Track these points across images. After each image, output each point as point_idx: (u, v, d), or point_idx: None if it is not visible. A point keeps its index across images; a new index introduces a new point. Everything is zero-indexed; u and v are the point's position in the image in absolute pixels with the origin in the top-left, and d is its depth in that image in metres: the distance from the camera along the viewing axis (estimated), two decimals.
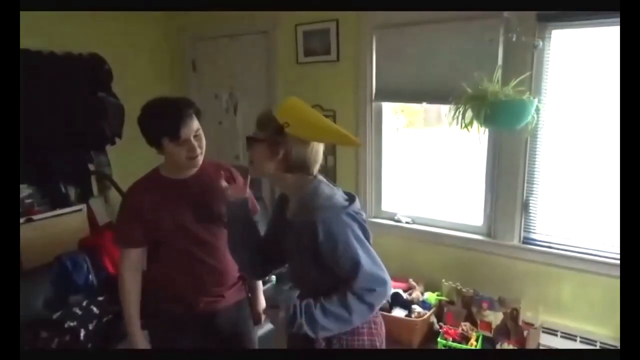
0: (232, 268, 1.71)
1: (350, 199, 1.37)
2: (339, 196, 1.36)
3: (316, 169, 1.41)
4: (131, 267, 1.65)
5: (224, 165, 1.72)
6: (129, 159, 3.44)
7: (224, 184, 1.52)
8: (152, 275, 1.71)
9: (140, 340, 1.65)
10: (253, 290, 1.88)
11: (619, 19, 2.09)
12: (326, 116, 3.07)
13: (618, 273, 2.28)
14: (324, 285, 1.33)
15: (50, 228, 2.83)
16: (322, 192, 1.34)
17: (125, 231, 1.63)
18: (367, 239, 1.35)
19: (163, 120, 1.51)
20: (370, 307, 1.30)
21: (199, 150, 1.57)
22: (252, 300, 1.86)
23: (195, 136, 1.56)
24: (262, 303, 1.90)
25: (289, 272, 1.51)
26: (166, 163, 1.63)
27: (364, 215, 1.38)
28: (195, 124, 1.56)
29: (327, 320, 1.27)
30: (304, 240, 1.30)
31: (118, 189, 3.31)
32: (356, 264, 1.26)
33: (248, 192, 1.56)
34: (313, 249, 1.28)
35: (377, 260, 1.32)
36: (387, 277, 1.32)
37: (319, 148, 1.40)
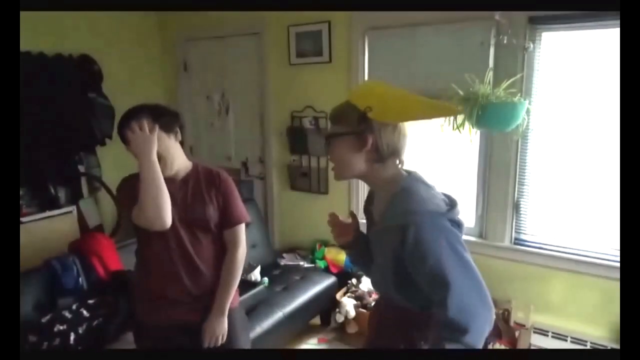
0: (214, 275, 1.66)
1: (452, 203, 1.20)
2: (439, 199, 1.19)
3: (405, 155, 1.27)
4: None
5: (216, 171, 1.69)
6: (119, 160, 3.41)
7: None
8: (138, 270, 1.70)
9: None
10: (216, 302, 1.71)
11: (609, 22, 2.13)
12: (317, 118, 3.13)
13: (608, 273, 2.31)
14: (403, 302, 1.22)
15: (40, 230, 2.81)
16: (418, 192, 1.17)
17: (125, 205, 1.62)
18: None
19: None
20: (443, 307, 1.05)
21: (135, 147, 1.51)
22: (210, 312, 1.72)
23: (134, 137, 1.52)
24: (215, 323, 1.69)
25: (371, 278, 1.38)
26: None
27: (464, 226, 1.21)
28: (132, 121, 1.52)
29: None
30: (390, 245, 1.16)
31: (108, 191, 3.29)
32: (445, 287, 1.05)
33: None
34: (397, 257, 1.15)
35: (478, 283, 1.11)
36: (489, 307, 1.09)
37: (406, 130, 1.26)
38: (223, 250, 1.69)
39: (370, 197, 1.39)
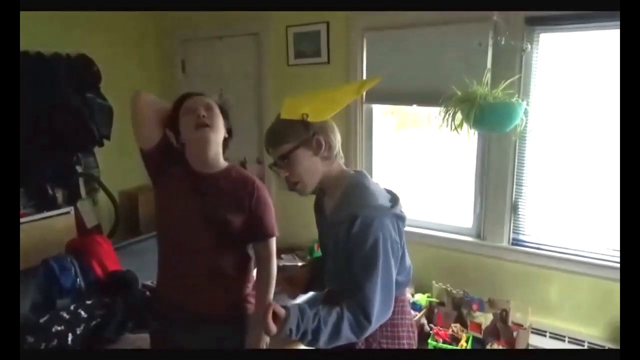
0: (231, 280, 1.63)
1: (394, 199, 1.31)
2: (384, 195, 1.30)
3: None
4: None
5: (250, 179, 1.64)
6: (117, 160, 3.42)
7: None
8: (159, 261, 1.68)
9: None
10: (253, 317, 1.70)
11: (606, 23, 2.14)
12: None
13: (606, 274, 2.32)
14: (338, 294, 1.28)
15: (37, 231, 2.79)
16: (369, 187, 1.28)
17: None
18: (397, 251, 1.27)
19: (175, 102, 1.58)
20: (356, 338, 1.21)
21: (204, 119, 1.50)
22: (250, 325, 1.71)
23: (207, 109, 1.53)
24: (257, 336, 1.69)
25: (325, 274, 1.43)
26: (187, 152, 1.60)
27: (406, 219, 1.33)
28: (207, 100, 1.56)
29: (317, 340, 1.17)
30: (340, 235, 1.24)
31: (106, 191, 3.28)
32: (369, 277, 1.19)
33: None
34: (341, 245, 1.23)
35: (391, 285, 1.23)
36: (389, 310, 1.24)
37: (335, 127, 1.35)
38: (243, 262, 1.66)
39: (320, 194, 1.45)
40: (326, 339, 1.17)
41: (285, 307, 1.17)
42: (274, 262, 1.67)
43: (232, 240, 1.60)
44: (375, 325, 1.22)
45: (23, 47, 2.83)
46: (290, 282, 1.50)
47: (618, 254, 2.31)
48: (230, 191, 1.57)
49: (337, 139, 1.33)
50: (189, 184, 1.58)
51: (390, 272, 1.23)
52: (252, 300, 1.69)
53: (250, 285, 1.72)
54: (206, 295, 1.60)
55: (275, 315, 1.15)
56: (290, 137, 1.28)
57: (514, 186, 2.58)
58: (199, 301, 1.60)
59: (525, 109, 2.14)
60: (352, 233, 1.20)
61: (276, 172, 1.34)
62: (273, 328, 1.14)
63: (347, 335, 1.19)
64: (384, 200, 1.27)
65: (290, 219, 3.48)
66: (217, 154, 1.58)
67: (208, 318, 1.60)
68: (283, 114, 1.29)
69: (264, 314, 1.15)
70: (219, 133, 1.56)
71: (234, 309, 1.65)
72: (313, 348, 1.25)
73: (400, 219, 1.29)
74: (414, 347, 1.41)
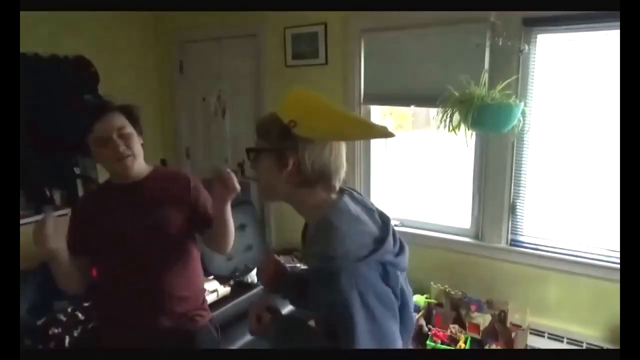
0: (183, 288, 1.57)
1: (381, 236, 1.03)
2: (364, 234, 1.02)
3: (338, 179, 1.09)
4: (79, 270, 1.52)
5: (182, 174, 1.62)
6: None
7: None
8: (97, 288, 1.60)
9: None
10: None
11: (604, 24, 2.15)
12: None
13: (605, 274, 2.32)
14: None
15: None
16: (339, 228, 0.99)
17: (71, 241, 1.47)
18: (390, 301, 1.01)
19: (81, 124, 1.48)
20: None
21: (124, 149, 1.44)
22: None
23: (121, 135, 1.45)
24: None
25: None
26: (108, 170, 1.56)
27: (403, 262, 1.11)
28: (118, 121, 1.45)
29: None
30: (313, 282, 1.06)
31: None
32: (350, 339, 0.95)
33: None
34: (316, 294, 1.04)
35: (383, 342, 0.98)
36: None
37: (341, 150, 1.08)
38: (194, 264, 1.63)
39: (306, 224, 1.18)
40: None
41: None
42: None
43: (178, 240, 1.56)
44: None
45: (21, 48, 2.83)
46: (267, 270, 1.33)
47: (617, 254, 2.31)
48: (164, 191, 1.54)
49: (328, 166, 1.05)
50: (118, 199, 1.53)
51: (378, 323, 0.97)
52: (204, 313, 1.67)
53: (202, 295, 1.70)
54: (162, 309, 1.54)
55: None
56: (263, 135, 1.07)
57: (512, 187, 2.58)
58: (155, 317, 1.53)
59: (523, 109, 2.14)
60: (321, 290, 0.99)
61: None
62: (256, 328, 1.13)
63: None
64: (359, 246, 0.99)
65: (288, 220, 3.48)
66: (140, 165, 1.54)
67: (167, 332, 1.54)
68: (281, 107, 1.05)
69: (253, 307, 1.10)
70: (138, 149, 1.51)
71: (191, 318, 1.61)
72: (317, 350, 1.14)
73: (390, 263, 1.03)
74: None
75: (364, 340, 0.94)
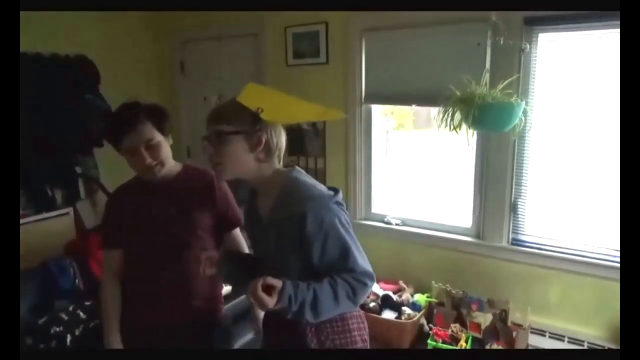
0: (205, 284, 1.62)
1: (334, 190, 1.30)
2: (322, 187, 1.29)
3: (283, 154, 1.34)
4: (112, 272, 1.62)
5: (208, 174, 1.65)
6: (116, 161, 3.37)
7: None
8: (126, 282, 1.65)
9: (116, 344, 1.59)
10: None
11: (605, 23, 2.15)
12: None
13: (606, 274, 2.32)
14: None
15: (36, 232, 2.78)
16: (306, 183, 1.26)
17: (106, 233, 1.62)
18: None
19: (110, 128, 1.51)
20: (355, 301, 1.22)
21: (150, 161, 1.48)
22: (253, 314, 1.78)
23: (149, 147, 1.48)
24: (261, 316, 1.77)
25: (274, 272, 1.38)
26: None
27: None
28: (146, 133, 1.47)
29: (319, 308, 1.17)
30: (288, 235, 1.22)
31: (105, 192, 3.27)
32: (346, 252, 1.21)
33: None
34: (297, 244, 1.21)
35: (364, 255, 1.27)
36: (373, 273, 1.27)
37: (283, 132, 1.32)
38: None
39: (252, 195, 1.41)
40: (325, 308, 1.17)
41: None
42: (246, 247, 1.70)
43: (200, 240, 1.60)
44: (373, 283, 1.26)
45: (22, 48, 2.83)
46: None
47: (618, 254, 2.31)
48: (191, 191, 1.57)
49: (281, 143, 1.31)
50: (148, 197, 1.57)
51: (359, 247, 1.26)
52: (220, 306, 1.73)
53: (219, 289, 1.74)
54: (186, 302, 1.59)
55: (269, 289, 1.12)
56: (233, 121, 1.24)
57: (513, 186, 2.58)
58: (177, 310, 1.58)
59: (524, 109, 2.14)
60: (307, 232, 1.19)
61: (203, 147, 1.29)
62: (269, 300, 1.10)
63: (345, 303, 1.20)
64: (325, 189, 1.27)
65: None
66: (168, 167, 1.57)
67: (188, 326, 1.59)
68: (240, 97, 1.24)
69: (253, 289, 1.10)
70: (166, 155, 1.54)
71: (211, 313, 1.66)
72: (310, 323, 1.25)
73: (342, 206, 1.28)
74: (366, 337, 1.40)
75: (355, 251, 1.22)
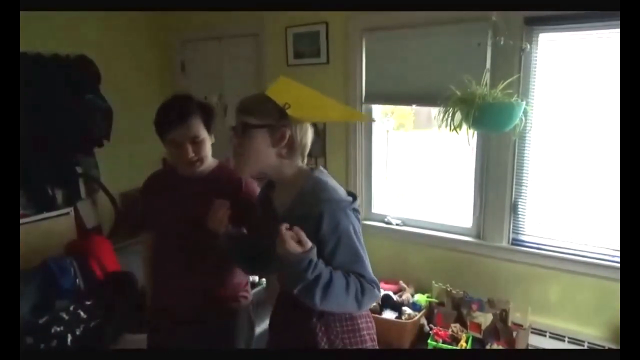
0: (227, 275, 1.67)
1: (353, 196, 1.30)
2: (342, 190, 1.29)
3: (307, 153, 1.33)
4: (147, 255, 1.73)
5: (238, 177, 1.67)
6: (117, 161, 3.42)
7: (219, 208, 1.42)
8: (152, 268, 1.72)
9: None
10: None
11: (606, 22, 2.14)
12: None
13: (606, 274, 2.32)
14: None
15: (37, 232, 2.79)
16: (327, 184, 1.25)
17: (140, 216, 1.71)
18: None
19: (161, 119, 1.51)
20: (361, 303, 1.22)
21: (193, 156, 1.51)
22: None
23: (194, 142, 1.51)
24: None
25: (277, 270, 1.42)
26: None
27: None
28: (194, 130, 1.50)
29: (329, 292, 1.15)
30: (305, 232, 1.19)
31: (106, 192, 3.28)
32: (357, 258, 1.22)
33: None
34: (314, 242, 1.19)
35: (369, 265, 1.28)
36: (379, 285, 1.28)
37: (310, 130, 1.31)
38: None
39: (268, 188, 1.42)
40: (334, 295, 1.16)
41: None
42: None
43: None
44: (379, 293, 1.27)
45: (22, 48, 2.83)
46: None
47: (618, 254, 2.31)
48: (221, 190, 1.59)
49: (305, 141, 1.29)
50: (179, 190, 1.61)
51: (365, 251, 1.27)
52: (247, 294, 1.76)
53: (245, 280, 1.77)
54: (204, 293, 1.62)
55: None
56: (259, 113, 1.24)
57: (514, 186, 2.58)
58: (196, 301, 1.61)
59: (525, 109, 2.14)
60: (321, 233, 1.19)
61: (230, 137, 1.31)
62: (295, 245, 1.11)
63: (352, 301, 1.19)
64: (345, 195, 1.27)
65: None
66: (206, 163, 1.60)
67: (205, 317, 1.62)
68: (270, 91, 1.25)
69: (284, 230, 1.11)
70: (207, 152, 1.57)
71: (230, 305, 1.69)
72: (320, 320, 1.27)
73: (358, 213, 1.29)
74: (374, 336, 1.41)
75: (365, 259, 1.23)
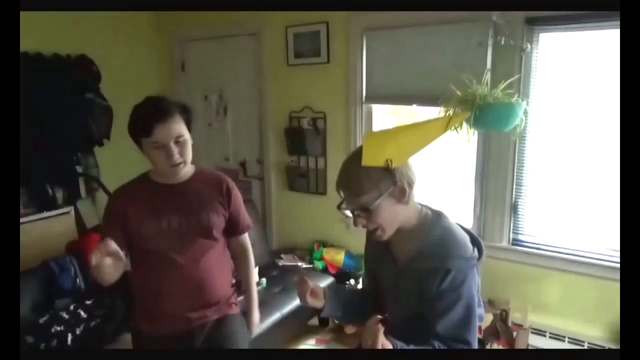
0: (218, 282, 1.62)
1: (477, 245, 1.25)
2: (468, 241, 1.23)
3: None
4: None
5: (221, 178, 1.65)
6: (117, 160, 3.41)
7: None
8: (135, 283, 1.63)
9: None
10: (249, 301, 1.79)
11: (606, 23, 2.14)
12: (315, 119, 3.12)
13: (606, 274, 2.32)
14: (428, 329, 1.20)
15: (37, 231, 2.80)
16: (456, 237, 1.22)
17: (106, 234, 1.46)
18: None
19: (140, 118, 1.43)
20: (467, 343, 1.19)
21: (178, 157, 1.44)
22: (248, 310, 1.79)
23: (177, 142, 1.44)
24: (257, 315, 1.82)
25: (393, 312, 1.35)
26: (154, 169, 1.56)
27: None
28: (177, 128, 1.43)
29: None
30: (424, 287, 1.19)
31: (106, 191, 3.28)
32: (468, 320, 1.18)
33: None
34: (427, 294, 1.18)
35: (480, 301, 1.25)
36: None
37: (410, 161, 1.25)
38: (225, 258, 1.69)
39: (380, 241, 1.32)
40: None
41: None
42: (251, 252, 1.77)
43: (214, 241, 1.60)
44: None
45: (23, 48, 2.83)
46: (312, 289, 1.36)
47: (618, 254, 2.31)
48: (204, 194, 1.56)
49: (414, 176, 1.23)
50: (162, 198, 1.54)
51: (477, 316, 1.23)
52: (235, 301, 1.73)
53: (232, 288, 1.74)
54: (196, 301, 1.59)
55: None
56: (372, 188, 1.16)
57: (514, 186, 2.58)
58: (189, 309, 1.57)
59: (525, 109, 2.13)
60: (443, 287, 1.16)
61: (353, 219, 1.23)
62: (386, 343, 1.06)
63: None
64: (471, 250, 1.22)
65: (290, 219, 3.48)
66: (187, 168, 1.55)
67: (199, 325, 1.59)
68: (365, 159, 1.16)
69: (376, 332, 1.04)
70: (190, 155, 1.51)
71: (221, 312, 1.65)
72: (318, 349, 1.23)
73: (478, 267, 1.25)
74: None
75: (475, 324, 1.19)
